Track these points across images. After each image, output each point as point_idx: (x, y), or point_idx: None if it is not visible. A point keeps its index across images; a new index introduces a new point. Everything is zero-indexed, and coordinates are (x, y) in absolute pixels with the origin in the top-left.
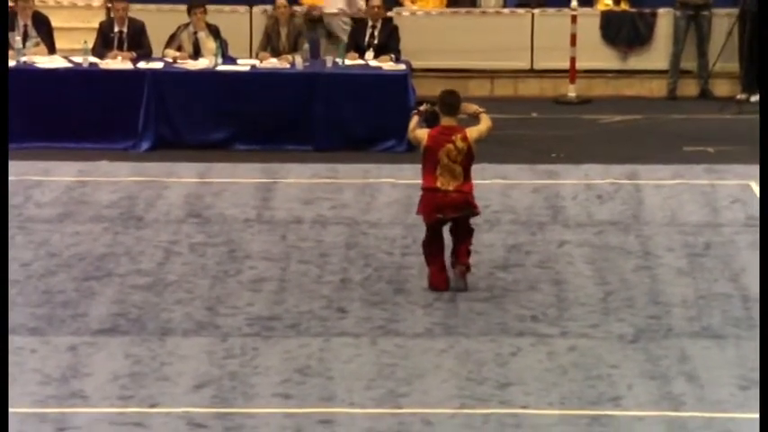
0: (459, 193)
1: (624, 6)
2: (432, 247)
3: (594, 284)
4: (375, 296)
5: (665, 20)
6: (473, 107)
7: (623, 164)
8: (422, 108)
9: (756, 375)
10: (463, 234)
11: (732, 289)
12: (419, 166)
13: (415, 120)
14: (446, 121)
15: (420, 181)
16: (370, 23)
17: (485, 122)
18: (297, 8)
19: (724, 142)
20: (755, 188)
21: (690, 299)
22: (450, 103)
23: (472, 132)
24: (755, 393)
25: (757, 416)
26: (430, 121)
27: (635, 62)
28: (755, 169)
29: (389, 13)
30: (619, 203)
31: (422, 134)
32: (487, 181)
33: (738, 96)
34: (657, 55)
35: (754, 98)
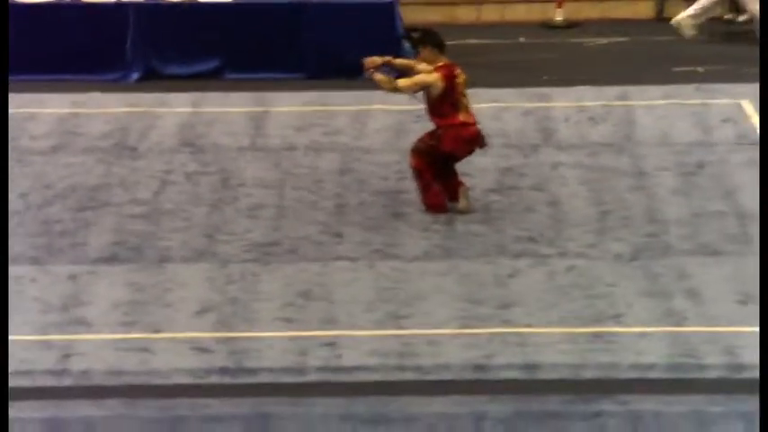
0: (476, 126)
1: None
2: (440, 171)
3: (590, 205)
4: (371, 221)
5: None
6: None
7: (613, 86)
8: (375, 66)
9: (755, 290)
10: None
11: (726, 206)
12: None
13: (383, 77)
14: (443, 59)
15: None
16: None
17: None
18: None
19: (713, 62)
20: (746, 106)
21: (685, 217)
22: (442, 41)
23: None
24: (754, 308)
25: (757, 329)
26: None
27: None
28: (745, 87)
29: None
30: (611, 125)
31: (432, 78)
32: (478, 105)
33: (726, 16)
34: None
35: (742, 17)
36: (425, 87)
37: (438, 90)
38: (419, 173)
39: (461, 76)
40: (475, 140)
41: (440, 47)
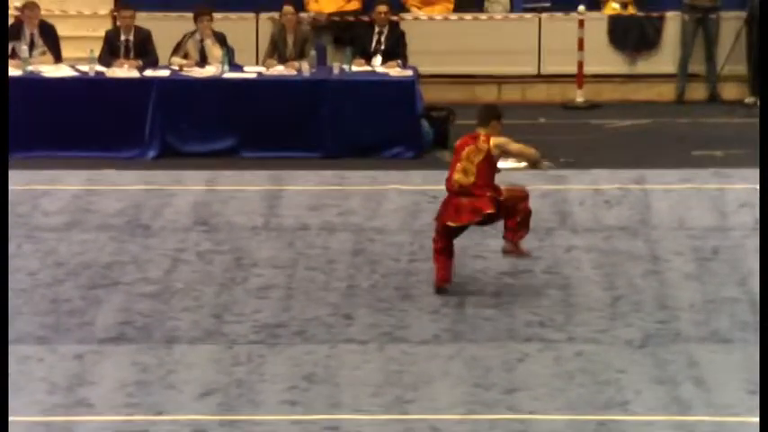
0: (470, 197)
1: (632, 10)
2: (438, 244)
3: (602, 289)
4: (382, 302)
5: (672, 23)
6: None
7: (631, 168)
8: None
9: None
10: (510, 211)
11: (740, 293)
12: (426, 173)
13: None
14: (481, 130)
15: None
16: (376, 29)
17: (526, 148)
18: (303, 15)
19: (732, 146)
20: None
21: (698, 303)
22: (481, 114)
23: (497, 138)
24: None
25: None
26: None
27: (643, 66)
28: None
29: (395, 18)
30: (627, 208)
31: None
32: None
33: (747, 100)
34: (665, 59)
35: None
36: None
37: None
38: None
39: (481, 144)
40: (461, 213)
41: (477, 118)
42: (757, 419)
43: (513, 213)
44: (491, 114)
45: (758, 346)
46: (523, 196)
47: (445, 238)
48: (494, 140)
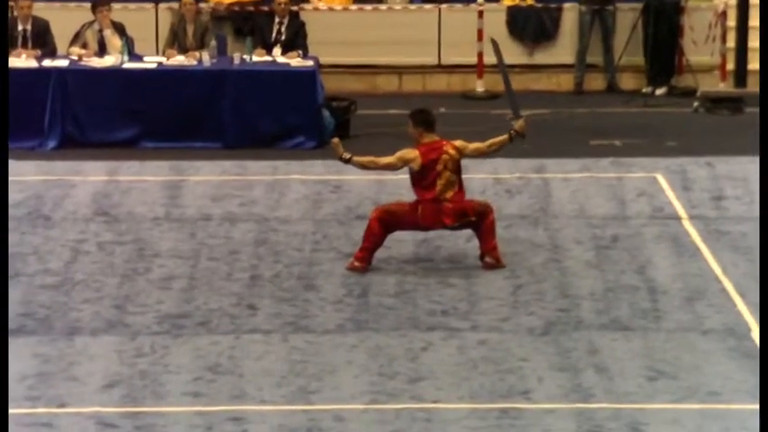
0: (454, 203)
1: (530, 1)
2: (381, 235)
3: (504, 278)
4: (285, 293)
5: (570, 15)
6: None
7: (531, 158)
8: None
9: (663, 366)
10: (485, 232)
11: (639, 281)
12: (328, 163)
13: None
14: (429, 137)
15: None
16: (277, 19)
17: (481, 143)
18: (203, 5)
19: (630, 135)
20: (661, 180)
21: (598, 291)
22: (430, 120)
23: (466, 146)
24: (663, 384)
25: (664, 406)
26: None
27: (541, 57)
28: (661, 162)
29: (296, 9)
30: (527, 197)
31: (411, 154)
32: (396, 177)
33: (644, 90)
34: (563, 50)
35: (660, 91)
36: (405, 164)
37: (416, 167)
38: (371, 230)
39: (452, 151)
40: (444, 218)
41: (428, 125)
42: (656, 406)
43: (486, 229)
44: (433, 119)
45: (657, 333)
46: (489, 210)
47: (385, 234)
48: (465, 149)
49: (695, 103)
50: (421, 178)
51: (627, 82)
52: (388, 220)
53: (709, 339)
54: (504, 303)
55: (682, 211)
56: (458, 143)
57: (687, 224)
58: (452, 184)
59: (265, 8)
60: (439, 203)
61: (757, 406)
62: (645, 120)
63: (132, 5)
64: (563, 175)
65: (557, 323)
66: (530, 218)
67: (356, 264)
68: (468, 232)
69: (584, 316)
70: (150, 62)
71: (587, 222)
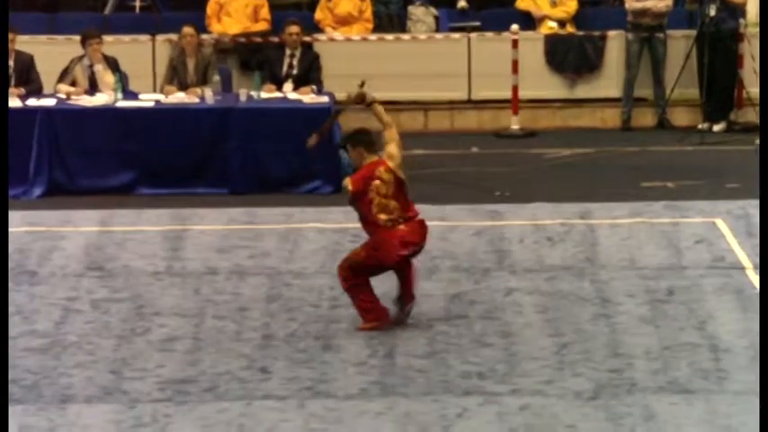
0: (405, 223)
1: (570, 29)
2: (366, 286)
3: (547, 336)
4: (301, 354)
5: (615, 43)
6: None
7: (575, 202)
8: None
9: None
10: (408, 266)
11: (699, 338)
12: (347, 209)
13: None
14: (369, 158)
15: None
16: (287, 52)
17: (388, 134)
18: (205, 36)
19: (685, 176)
20: (721, 226)
21: (653, 350)
22: (370, 140)
23: (390, 159)
24: None
25: None
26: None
27: (584, 90)
28: (720, 205)
29: (308, 40)
30: (571, 246)
31: (345, 183)
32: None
33: (700, 126)
34: (608, 82)
35: (717, 127)
36: (397, 147)
37: (350, 195)
38: (349, 290)
39: (385, 175)
40: (408, 242)
41: (367, 145)
42: None
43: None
44: (373, 136)
45: (720, 396)
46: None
47: (370, 277)
48: (393, 163)
49: (757, 141)
50: (360, 208)
51: (680, 117)
52: (356, 269)
53: None
54: (547, 364)
55: (745, 260)
56: (387, 159)
57: (751, 274)
58: (390, 211)
59: (275, 39)
60: (389, 230)
61: None
62: (701, 159)
63: (126, 38)
64: (611, 221)
65: (607, 386)
66: (574, 269)
67: (372, 324)
68: (510, 284)
69: (639, 377)
70: (147, 100)
71: (639, 273)
